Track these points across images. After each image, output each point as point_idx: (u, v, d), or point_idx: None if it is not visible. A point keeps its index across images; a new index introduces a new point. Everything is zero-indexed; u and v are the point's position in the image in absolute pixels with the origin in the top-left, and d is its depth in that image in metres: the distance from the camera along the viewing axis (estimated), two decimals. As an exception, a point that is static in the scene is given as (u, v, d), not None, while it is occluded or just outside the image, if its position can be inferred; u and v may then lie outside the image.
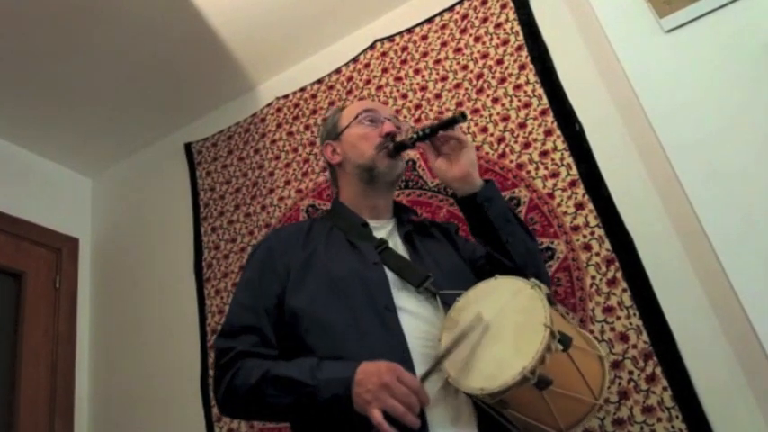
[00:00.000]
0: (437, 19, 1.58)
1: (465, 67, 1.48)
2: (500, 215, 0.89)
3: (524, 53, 1.40)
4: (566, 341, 0.67)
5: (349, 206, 0.95)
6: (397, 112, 1.54)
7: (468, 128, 1.40)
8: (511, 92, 1.39)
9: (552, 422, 0.68)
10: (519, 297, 0.72)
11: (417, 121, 1.49)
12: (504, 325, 0.71)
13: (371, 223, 0.92)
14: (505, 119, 1.37)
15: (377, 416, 0.65)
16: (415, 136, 0.91)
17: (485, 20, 1.50)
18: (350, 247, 0.87)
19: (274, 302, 0.83)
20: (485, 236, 0.89)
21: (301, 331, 0.79)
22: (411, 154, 1.47)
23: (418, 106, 1.51)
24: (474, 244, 1.05)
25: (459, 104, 1.45)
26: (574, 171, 1.24)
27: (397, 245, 0.90)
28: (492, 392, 0.65)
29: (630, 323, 1.07)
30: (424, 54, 1.56)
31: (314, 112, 1.67)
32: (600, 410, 0.71)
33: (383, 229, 0.93)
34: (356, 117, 0.97)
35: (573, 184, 1.23)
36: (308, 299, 0.81)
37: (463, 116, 0.86)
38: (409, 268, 0.83)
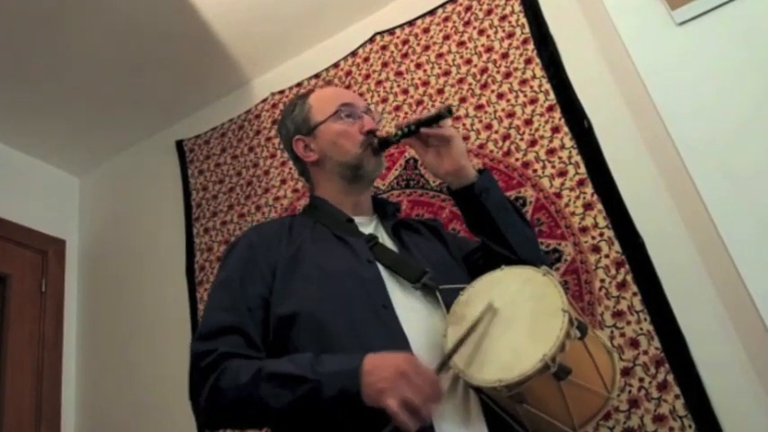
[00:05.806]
0: (439, 11, 1.54)
1: (469, 62, 1.44)
2: (498, 205, 0.86)
3: (530, 46, 1.37)
4: (583, 328, 0.65)
5: (330, 201, 0.91)
6: (398, 108, 1.50)
7: (472, 125, 1.37)
8: (516, 87, 1.35)
9: (566, 418, 0.64)
10: (531, 284, 0.69)
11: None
12: (517, 313, 0.67)
13: (356, 219, 0.88)
14: (511, 115, 1.34)
15: (394, 405, 0.60)
16: (399, 133, 0.88)
17: (489, 12, 1.46)
18: (339, 243, 0.83)
19: (258, 303, 0.77)
20: (483, 228, 0.86)
21: (291, 332, 0.74)
22: (413, 152, 1.43)
23: (420, 102, 1.48)
24: (464, 238, 1.01)
25: (463, 100, 1.41)
26: (582, 170, 1.21)
27: (384, 240, 0.87)
28: (510, 384, 0.61)
29: (641, 328, 1.04)
30: (426, 48, 1.52)
31: (310, 108, 1.64)
32: (611, 404, 0.70)
33: (369, 225, 0.90)
34: (335, 113, 0.92)
35: (581, 183, 1.20)
36: (300, 298, 0.76)
37: (449, 111, 0.84)
38: (404, 264, 0.80)
